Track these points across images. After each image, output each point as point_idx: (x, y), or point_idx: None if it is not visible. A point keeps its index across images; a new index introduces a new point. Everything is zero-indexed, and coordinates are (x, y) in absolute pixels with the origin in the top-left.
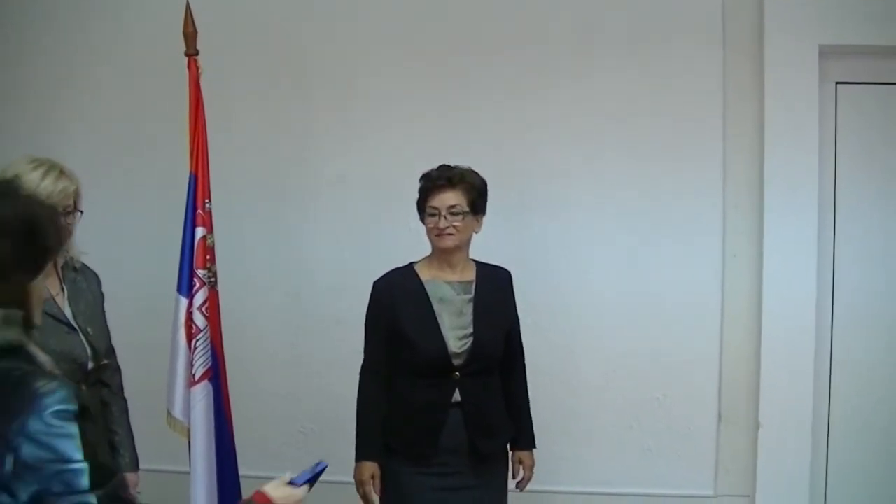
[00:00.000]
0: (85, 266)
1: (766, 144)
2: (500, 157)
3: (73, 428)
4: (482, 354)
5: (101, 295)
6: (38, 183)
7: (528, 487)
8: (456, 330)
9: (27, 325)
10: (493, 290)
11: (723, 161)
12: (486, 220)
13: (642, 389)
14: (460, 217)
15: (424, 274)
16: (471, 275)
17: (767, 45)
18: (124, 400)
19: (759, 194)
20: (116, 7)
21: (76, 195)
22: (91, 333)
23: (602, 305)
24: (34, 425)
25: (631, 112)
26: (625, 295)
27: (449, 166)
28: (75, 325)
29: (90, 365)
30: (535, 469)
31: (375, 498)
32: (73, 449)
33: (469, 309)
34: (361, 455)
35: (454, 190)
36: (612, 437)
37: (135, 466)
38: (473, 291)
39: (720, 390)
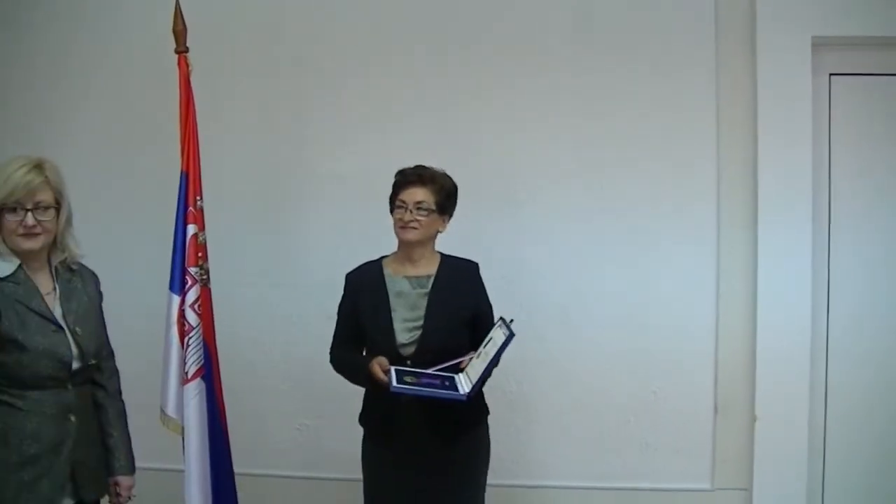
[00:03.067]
0: (83, 266)
1: (759, 136)
2: (494, 155)
3: None
4: (430, 346)
5: (99, 295)
6: (10, 175)
7: (524, 483)
8: (406, 322)
9: None
10: (453, 282)
11: (716, 154)
12: (480, 217)
13: (639, 384)
14: (425, 213)
15: (388, 268)
16: (431, 269)
17: (760, 36)
18: (121, 402)
19: (753, 186)
20: (107, 5)
21: (56, 193)
22: (80, 333)
23: (598, 301)
24: None
25: (623, 105)
26: (620, 289)
27: (424, 166)
28: (63, 324)
29: (75, 365)
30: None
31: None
32: None
33: (423, 302)
34: (363, 368)
35: (424, 187)
36: (608, 432)
37: (131, 469)
38: (430, 286)
39: (716, 384)
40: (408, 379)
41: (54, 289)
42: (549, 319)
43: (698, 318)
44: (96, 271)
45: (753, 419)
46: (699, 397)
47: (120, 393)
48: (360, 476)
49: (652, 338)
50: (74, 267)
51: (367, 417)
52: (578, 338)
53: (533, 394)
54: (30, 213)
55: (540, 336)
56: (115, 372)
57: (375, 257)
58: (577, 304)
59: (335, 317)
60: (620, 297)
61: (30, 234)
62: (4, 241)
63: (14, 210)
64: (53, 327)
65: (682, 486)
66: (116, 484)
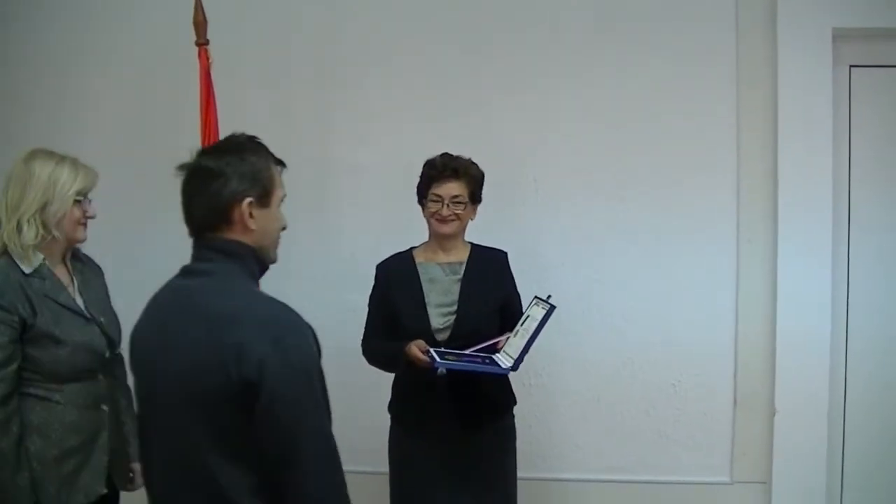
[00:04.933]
0: (88, 257)
1: (779, 128)
2: (514, 148)
3: None
4: (464, 330)
5: (105, 286)
6: (75, 178)
7: (544, 475)
8: (440, 307)
9: None
10: (484, 270)
11: (736, 146)
12: (502, 209)
13: (658, 376)
14: (462, 206)
15: (420, 257)
16: (462, 256)
17: (780, 28)
18: (129, 389)
19: (773, 179)
20: None
21: None
22: (104, 323)
23: (617, 293)
24: None
25: (643, 98)
26: (640, 282)
27: (451, 156)
28: (89, 315)
29: (107, 354)
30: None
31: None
32: None
33: (456, 288)
34: (400, 352)
35: (458, 181)
36: (627, 425)
37: None
38: (462, 272)
39: (735, 376)
40: (449, 358)
41: (72, 281)
42: (568, 312)
43: (718, 312)
44: (118, 266)
45: (773, 412)
46: (719, 390)
47: (126, 379)
48: (375, 469)
49: (672, 331)
50: (83, 257)
51: (396, 405)
52: (598, 330)
53: (551, 385)
54: (92, 202)
55: (559, 328)
56: (122, 360)
57: (394, 249)
58: (596, 296)
59: (353, 310)
60: (640, 289)
61: (86, 223)
62: (65, 231)
63: (79, 202)
64: (83, 320)
65: (701, 479)
66: (131, 470)
